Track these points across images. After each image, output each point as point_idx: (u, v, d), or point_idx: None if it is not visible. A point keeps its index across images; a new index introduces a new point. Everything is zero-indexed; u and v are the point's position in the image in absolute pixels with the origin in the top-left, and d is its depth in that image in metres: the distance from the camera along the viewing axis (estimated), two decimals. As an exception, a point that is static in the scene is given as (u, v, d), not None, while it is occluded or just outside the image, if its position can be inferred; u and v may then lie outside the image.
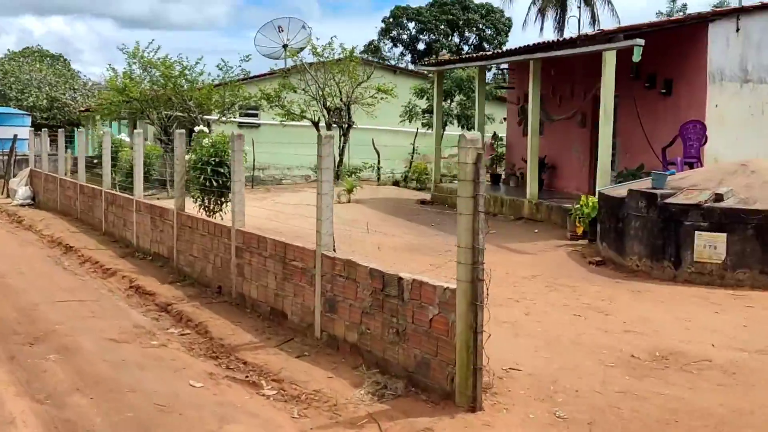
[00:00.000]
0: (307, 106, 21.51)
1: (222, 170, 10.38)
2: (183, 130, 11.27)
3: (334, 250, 6.84)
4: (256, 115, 25.85)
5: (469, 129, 21.51)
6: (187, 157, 10.80)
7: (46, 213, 17.67)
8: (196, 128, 13.33)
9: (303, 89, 21.07)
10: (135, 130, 14.75)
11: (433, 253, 10.42)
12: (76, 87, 42.28)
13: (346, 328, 6.42)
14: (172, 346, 7.14)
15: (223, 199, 10.53)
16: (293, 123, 22.08)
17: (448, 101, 23.33)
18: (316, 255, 6.84)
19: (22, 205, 19.63)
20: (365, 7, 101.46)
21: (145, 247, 11.85)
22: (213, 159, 10.50)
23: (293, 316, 7.38)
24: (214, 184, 10.45)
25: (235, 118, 23.40)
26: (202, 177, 10.59)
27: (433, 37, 49.99)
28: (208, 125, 21.64)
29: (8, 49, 49.67)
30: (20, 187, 20.17)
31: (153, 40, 22.10)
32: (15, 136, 23.29)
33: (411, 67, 40.55)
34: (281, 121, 21.80)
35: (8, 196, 22.99)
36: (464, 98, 23.62)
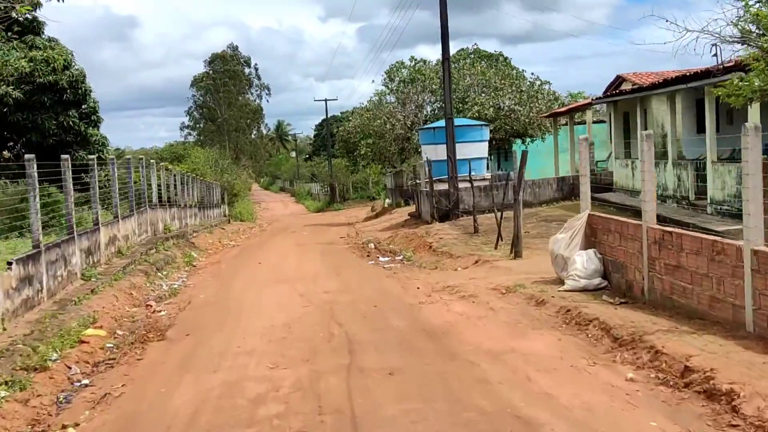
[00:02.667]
0: None
1: None
2: None
3: None
4: None
5: None
6: None
7: (677, 323, 7.35)
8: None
9: None
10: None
11: None
12: (523, 89, 33.41)
13: None
14: None
15: None
16: None
17: None
18: None
19: (585, 290, 9.73)
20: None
21: None
22: None
23: None
24: None
25: None
26: None
27: None
28: None
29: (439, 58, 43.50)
30: (576, 253, 10.17)
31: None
32: (524, 154, 13.73)
33: None
34: None
35: (516, 256, 13.61)
36: None
